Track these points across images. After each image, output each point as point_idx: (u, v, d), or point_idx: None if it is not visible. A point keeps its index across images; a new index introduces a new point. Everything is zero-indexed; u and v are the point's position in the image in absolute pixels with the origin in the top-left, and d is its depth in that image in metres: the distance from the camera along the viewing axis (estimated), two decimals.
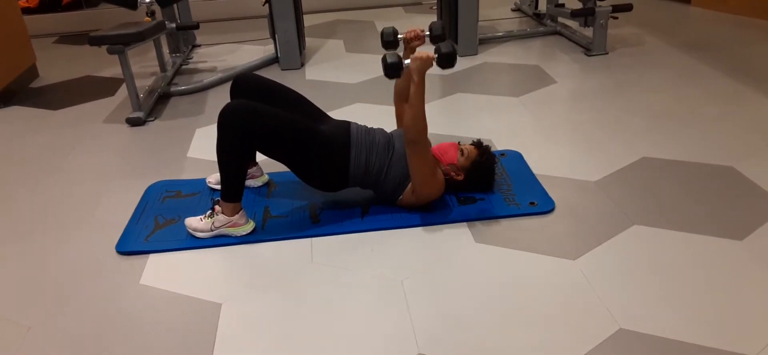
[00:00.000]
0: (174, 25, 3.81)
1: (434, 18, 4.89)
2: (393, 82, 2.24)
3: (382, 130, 2.23)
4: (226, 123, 1.94)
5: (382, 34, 2.16)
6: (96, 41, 2.90)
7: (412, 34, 2.14)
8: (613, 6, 3.68)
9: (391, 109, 2.93)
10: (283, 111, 2.05)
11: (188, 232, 2.10)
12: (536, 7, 4.68)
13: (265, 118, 1.96)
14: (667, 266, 1.82)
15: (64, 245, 2.11)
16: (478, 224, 2.09)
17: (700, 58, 3.61)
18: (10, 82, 3.55)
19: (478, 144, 2.24)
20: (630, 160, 2.45)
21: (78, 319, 1.74)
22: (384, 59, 1.94)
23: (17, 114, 3.35)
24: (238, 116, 1.93)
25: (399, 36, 2.16)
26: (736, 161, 2.39)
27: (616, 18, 3.86)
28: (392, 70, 1.95)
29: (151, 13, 3.38)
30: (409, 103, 1.97)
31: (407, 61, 1.97)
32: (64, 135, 3.02)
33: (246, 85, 2.19)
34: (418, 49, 2.10)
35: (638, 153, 2.51)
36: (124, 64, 2.95)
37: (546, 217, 2.11)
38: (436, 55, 1.96)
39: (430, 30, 2.16)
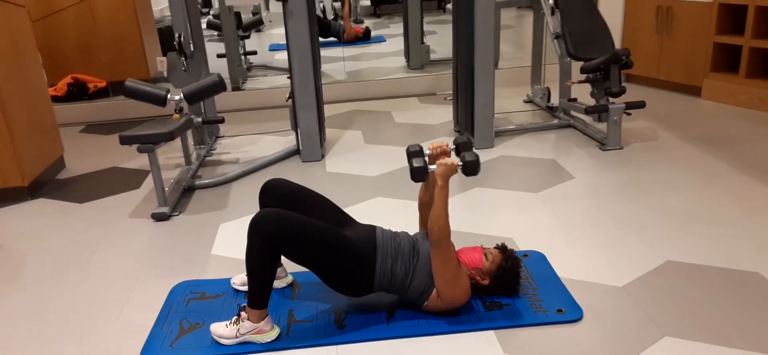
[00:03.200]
0: (200, 119, 3.94)
1: (449, 109, 5.01)
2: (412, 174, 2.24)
3: (406, 234, 2.26)
4: (256, 232, 1.98)
5: (408, 149, 2.26)
6: (127, 141, 3.00)
7: (439, 150, 2.22)
8: (626, 103, 3.77)
9: (411, 204, 2.96)
10: (311, 218, 2.10)
11: (213, 338, 2.09)
12: (548, 100, 4.81)
13: (294, 227, 2.00)
14: None
15: (90, 352, 2.10)
16: (505, 331, 2.07)
17: (715, 153, 3.65)
18: (38, 174, 3.65)
19: (502, 248, 2.25)
20: (655, 264, 2.44)
21: None
22: (411, 163, 2.14)
23: (44, 207, 3.42)
24: (269, 225, 1.97)
25: (426, 152, 2.24)
26: (762, 267, 2.38)
27: (630, 114, 3.95)
28: (418, 174, 2.13)
29: (180, 110, 3.50)
30: (433, 205, 2.06)
31: (433, 167, 2.12)
32: (90, 231, 3.07)
33: (273, 192, 2.25)
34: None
35: (662, 256, 2.50)
36: (153, 162, 3.03)
37: (574, 325, 2.09)
38: (461, 164, 2.10)
39: (455, 143, 2.25)
